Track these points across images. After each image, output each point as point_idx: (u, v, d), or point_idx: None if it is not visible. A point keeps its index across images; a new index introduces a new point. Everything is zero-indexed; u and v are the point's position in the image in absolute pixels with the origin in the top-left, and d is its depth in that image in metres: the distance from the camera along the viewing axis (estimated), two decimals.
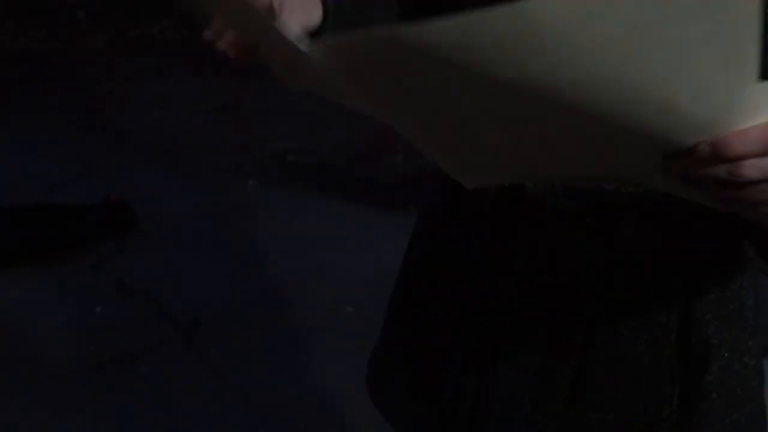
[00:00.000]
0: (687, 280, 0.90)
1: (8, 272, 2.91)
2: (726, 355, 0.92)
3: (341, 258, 3.04)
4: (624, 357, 0.91)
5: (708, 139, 0.56)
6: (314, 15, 0.81)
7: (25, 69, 5.12)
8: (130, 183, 3.56)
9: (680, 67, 0.52)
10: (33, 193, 3.40)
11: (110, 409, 2.35)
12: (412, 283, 1.08)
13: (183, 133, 4.20)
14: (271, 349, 2.57)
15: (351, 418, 2.29)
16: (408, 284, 1.09)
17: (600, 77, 0.53)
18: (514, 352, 0.94)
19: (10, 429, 2.29)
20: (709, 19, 0.49)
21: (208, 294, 2.84)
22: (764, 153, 0.57)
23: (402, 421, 1.09)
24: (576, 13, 0.48)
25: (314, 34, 0.79)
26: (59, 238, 3.08)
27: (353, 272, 2.88)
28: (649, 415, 0.92)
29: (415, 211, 1.11)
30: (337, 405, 2.36)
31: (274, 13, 0.72)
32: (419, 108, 0.66)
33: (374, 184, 3.66)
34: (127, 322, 2.69)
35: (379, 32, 0.55)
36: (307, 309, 2.76)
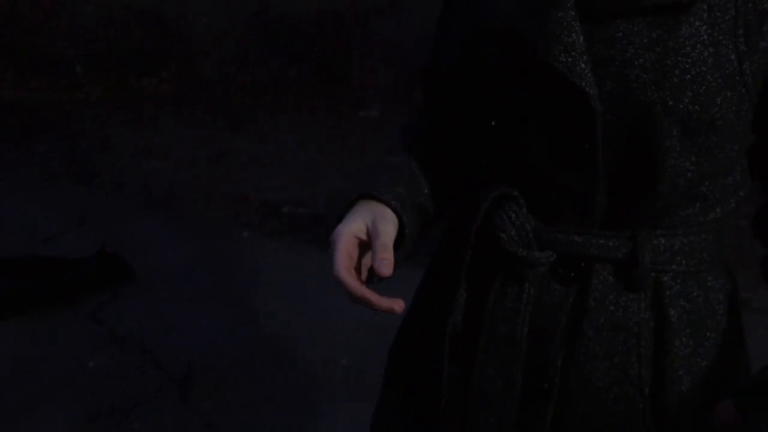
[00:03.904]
0: (657, 333, 0.91)
1: (1, 325, 2.89)
2: (701, 412, 0.92)
3: (336, 310, 3.01)
4: (597, 409, 0.92)
5: None
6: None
7: (21, 120, 5.14)
8: (125, 234, 3.56)
9: None
10: (28, 244, 3.40)
11: None
12: (404, 349, 1.10)
13: (178, 184, 4.21)
14: (266, 401, 2.55)
15: None
16: (401, 350, 1.11)
17: None
18: (493, 403, 0.95)
19: None
20: None
21: (202, 345, 2.82)
22: None
23: None
24: None
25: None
26: (53, 291, 3.06)
27: (348, 325, 2.86)
28: None
29: (411, 262, 1.12)
30: None
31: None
32: None
33: None
34: (120, 375, 2.67)
35: None
36: (301, 361, 2.74)
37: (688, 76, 0.81)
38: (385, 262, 0.85)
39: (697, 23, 0.81)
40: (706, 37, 0.81)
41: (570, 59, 0.82)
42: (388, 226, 0.89)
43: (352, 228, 0.89)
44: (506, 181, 0.92)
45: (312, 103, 5.37)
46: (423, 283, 1.09)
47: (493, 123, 0.90)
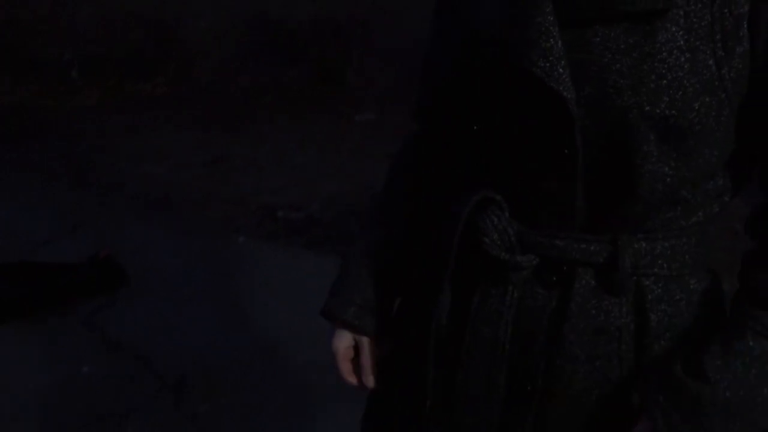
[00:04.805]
0: (637, 337, 0.91)
1: None
2: None
3: None
4: (578, 411, 0.93)
5: None
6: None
7: (19, 123, 5.15)
8: (120, 238, 3.56)
9: None
10: (23, 248, 3.39)
11: None
12: (391, 351, 1.11)
13: (174, 188, 4.21)
14: (263, 404, 2.54)
15: None
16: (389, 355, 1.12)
17: None
18: (477, 404, 0.96)
19: None
20: None
21: (197, 350, 2.81)
22: None
23: None
24: None
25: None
26: (47, 296, 3.06)
27: None
28: None
29: None
30: None
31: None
32: None
33: None
34: (114, 380, 2.66)
35: None
36: (297, 366, 2.73)
37: (665, 81, 0.81)
38: (369, 379, 1.13)
39: (674, 29, 0.82)
40: (682, 42, 0.82)
41: (548, 64, 0.82)
42: (366, 338, 1.14)
43: (345, 342, 1.18)
44: (490, 185, 0.93)
45: (310, 106, 5.37)
46: (409, 287, 1.09)
47: (474, 127, 0.90)
